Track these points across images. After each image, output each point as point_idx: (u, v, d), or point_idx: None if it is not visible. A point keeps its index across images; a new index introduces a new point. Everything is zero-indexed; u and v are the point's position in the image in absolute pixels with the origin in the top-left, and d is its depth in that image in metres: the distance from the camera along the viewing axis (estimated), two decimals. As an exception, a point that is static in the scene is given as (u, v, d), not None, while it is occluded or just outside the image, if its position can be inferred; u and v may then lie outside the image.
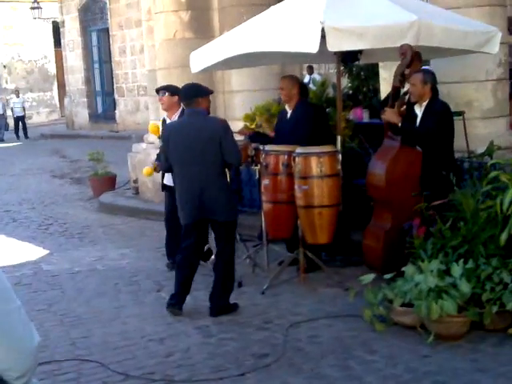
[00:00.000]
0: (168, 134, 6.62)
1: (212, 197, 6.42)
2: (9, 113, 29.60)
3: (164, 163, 6.79)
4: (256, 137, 8.06)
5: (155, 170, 8.20)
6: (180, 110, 8.05)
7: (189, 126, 6.50)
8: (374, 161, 7.30)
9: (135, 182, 12.69)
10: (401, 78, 6.99)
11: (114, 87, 26.69)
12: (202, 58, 8.27)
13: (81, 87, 28.53)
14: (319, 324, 6.18)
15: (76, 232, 10.78)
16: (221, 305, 6.59)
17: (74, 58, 29.08)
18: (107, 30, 26.93)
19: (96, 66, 28.73)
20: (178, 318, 6.60)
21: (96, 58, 28.69)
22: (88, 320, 6.75)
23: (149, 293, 7.46)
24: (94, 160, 13.74)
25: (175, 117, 8.07)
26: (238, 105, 11.04)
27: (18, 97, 29.88)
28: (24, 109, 29.56)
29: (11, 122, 29.45)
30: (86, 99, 28.28)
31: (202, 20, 11.34)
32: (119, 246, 9.66)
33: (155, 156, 11.30)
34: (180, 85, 10.85)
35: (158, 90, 8.29)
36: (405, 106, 7.17)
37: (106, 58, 27.97)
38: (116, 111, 26.48)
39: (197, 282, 7.53)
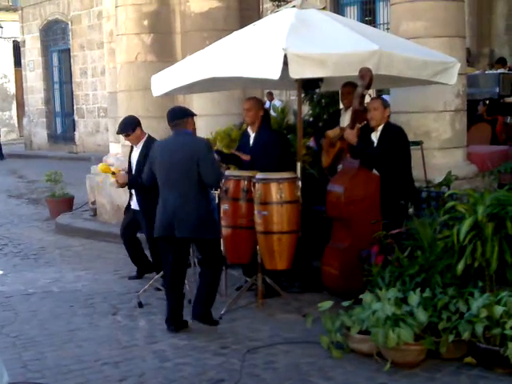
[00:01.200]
0: (155, 151, 6.71)
1: (192, 214, 6.49)
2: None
3: (147, 177, 6.88)
4: (231, 158, 8.06)
5: (114, 174, 8.07)
6: (146, 136, 8.16)
7: (174, 144, 6.64)
8: (333, 181, 7.41)
9: (93, 203, 12.60)
10: (360, 99, 7.08)
11: (74, 108, 26.54)
12: (164, 81, 8.26)
13: (40, 107, 28.30)
14: (276, 350, 6.15)
15: (31, 253, 10.65)
16: (203, 312, 6.65)
17: (34, 78, 28.86)
18: (68, 51, 26.81)
19: (56, 86, 28.56)
20: (134, 341, 6.53)
21: (56, 78, 28.53)
22: (41, 342, 6.64)
23: (104, 316, 7.36)
24: (51, 181, 13.59)
25: (141, 144, 8.14)
26: (199, 129, 10.99)
27: None
28: None
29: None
30: (45, 119, 28.07)
31: (164, 43, 11.36)
32: (75, 268, 9.54)
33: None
34: (142, 107, 10.98)
35: (117, 133, 8.42)
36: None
37: (66, 79, 27.82)
38: (75, 132, 26.31)
39: (152, 306, 7.54)
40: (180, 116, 6.70)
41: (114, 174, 8.01)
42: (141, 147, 8.11)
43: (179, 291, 6.78)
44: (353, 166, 7.21)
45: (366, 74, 6.86)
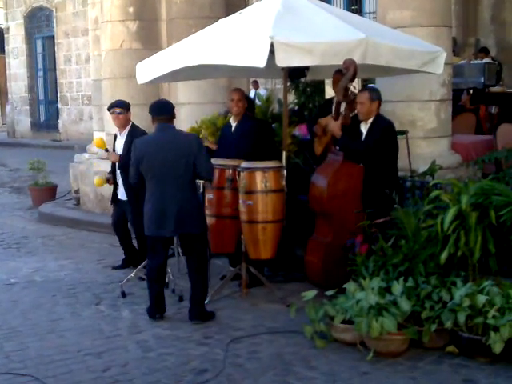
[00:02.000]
0: (142, 149, 6.57)
1: (186, 210, 6.48)
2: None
3: (133, 177, 6.71)
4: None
5: (108, 181, 8.28)
6: (130, 125, 8.17)
7: (163, 140, 6.55)
8: (316, 174, 7.37)
9: (76, 192, 12.54)
10: (344, 92, 7.04)
11: (58, 96, 26.40)
12: (149, 69, 8.19)
13: (24, 95, 28.12)
14: (260, 340, 6.13)
15: (14, 242, 10.56)
16: (201, 309, 6.65)
17: (17, 66, 28.66)
18: (53, 38, 26.64)
19: (40, 73, 28.36)
20: (117, 331, 6.51)
21: (40, 65, 28.33)
22: (23, 332, 6.59)
23: (87, 306, 7.32)
24: (34, 169, 13.49)
25: (125, 133, 8.15)
26: (184, 117, 10.96)
27: None
28: None
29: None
30: (28, 107, 27.90)
31: (149, 31, 11.28)
32: (58, 257, 9.48)
33: (98, 167, 11.28)
34: (126, 95, 10.89)
35: (110, 107, 8.24)
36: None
37: (50, 66, 27.64)
38: (59, 120, 26.18)
39: (135, 296, 7.51)
40: (168, 110, 6.68)
41: (107, 150, 8.09)
42: (125, 135, 8.12)
43: (163, 281, 6.85)
44: (337, 158, 7.16)
45: (350, 65, 6.82)
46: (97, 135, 12.97)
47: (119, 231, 8.62)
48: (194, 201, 6.64)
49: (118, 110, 8.12)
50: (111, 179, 8.33)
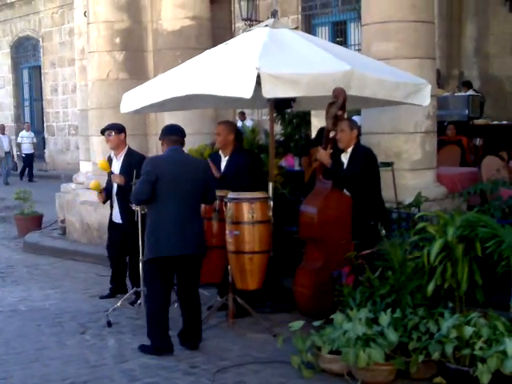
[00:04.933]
0: (160, 166, 6.50)
1: (195, 231, 6.50)
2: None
3: (145, 193, 6.47)
4: None
5: (101, 193, 8.25)
6: (126, 148, 8.23)
7: (179, 161, 6.59)
8: (305, 202, 7.39)
9: (62, 222, 12.51)
10: (334, 120, 7.10)
11: (45, 126, 26.42)
12: (136, 98, 8.22)
13: (10, 124, 28.11)
14: (247, 370, 6.11)
15: (-1, 271, 10.53)
16: (200, 337, 6.65)
17: (4, 95, 28.74)
18: (39, 68, 26.73)
19: (26, 103, 28.46)
20: (103, 361, 6.47)
21: (27, 95, 28.43)
22: (8, 361, 6.55)
23: (72, 335, 7.27)
24: (20, 199, 13.49)
25: (122, 155, 8.20)
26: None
27: (27, 131, 25.04)
28: (34, 145, 24.86)
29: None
30: (14, 136, 27.84)
31: (136, 61, 11.32)
32: (43, 286, 9.44)
33: (84, 197, 11.26)
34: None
35: (103, 131, 8.32)
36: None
37: (37, 96, 27.73)
38: (45, 150, 26.17)
39: (121, 325, 7.47)
40: (181, 132, 6.73)
41: (112, 172, 8.13)
42: (122, 158, 8.19)
43: (191, 311, 6.69)
44: (325, 186, 7.21)
45: (339, 94, 6.90)
46: (83, 165, 13.06)
47: (112, 255, 8.57)
48: (200, 222, 6.71)
49: (108, 132, 8.20)
50: (104, 195, 8.29)
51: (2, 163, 23.79)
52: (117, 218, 8.23)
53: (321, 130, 9.11)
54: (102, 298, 8.59)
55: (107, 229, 8.65)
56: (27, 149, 24.34)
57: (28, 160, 24.24)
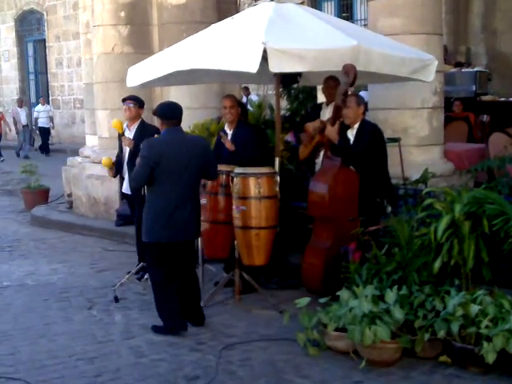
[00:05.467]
0: (159, 150, 6.37)
1: (189, 217, 6.41)
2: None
3: (144, 177, 6.38)
4: None
5: (111, 169, 8.19)
6: (139, 121, 8.24)
7: (179, 142, 6.45)
8: (315, 180, 7.34)
9: (69, 196, 12.52)
10: (343, 97, 7.05)
11: (50, 99, 26.35)
12: (141, 72, 8.21)
13: (15, 98, 28.05)
14: (253, 347, 6.13)
15: (6, 245, 10.55)
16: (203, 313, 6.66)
17: (8, 68, 28.66)
18: (44, 41, 26.66)
19: (31, 76, 28.41)
20: (109, 337, 6.49)
21: (32, 68, 28.37)
22: (15, 336, 6.58)
23: (80, 310, 7.30)
24: (26, 172, 13.52)
25: (134, 128, 8.20)
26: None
27: (43, 104, 24.66)
28: (51, 119, 24.54)
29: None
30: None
31: (141, 35, 11.31)
32: (51, 260, 9.47)
33: (90, 170, 11.28)
34: (118, 99, 10.85)
35: (124, 99, 8.30)
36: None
37: (41, 70, 27.66)
38: (51, 123, 26.10)
39: (129, 301, 7.50)
40: (178, 116, 6.55)
41: (123, 134, 8.09)
42: (134, 130, 8.18)
43: (191, 289, 6.64)
44: (334, 163, 7.15)
45: (350, 70, 6.83)
46: (89, 139, 13.03)
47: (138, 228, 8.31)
48: (198, 203, 6.66)
49: (130, 102, 8.20)
50: (114, 169, 8.25)
51: (20, 136, 23.60)
52: (127, 190, 8.18)
53: (314, 106, 9.08)
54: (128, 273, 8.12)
55: (123, 202, 8.62)
56: (44, 123, 24.09)
57: (45, 134, 24.07)
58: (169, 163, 6.31)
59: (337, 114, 7.17)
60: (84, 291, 7.97)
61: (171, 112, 6.57)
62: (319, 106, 8.60)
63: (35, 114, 24.30)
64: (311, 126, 7.80)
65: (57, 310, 7.38)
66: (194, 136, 7.01)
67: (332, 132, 7.17)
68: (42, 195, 13.40)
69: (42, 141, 24.07)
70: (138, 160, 6.52)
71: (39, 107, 24.44)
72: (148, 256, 6.67)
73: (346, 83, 6.95)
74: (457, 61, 15.55)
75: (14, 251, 10.18)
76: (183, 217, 6.36)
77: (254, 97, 16.45)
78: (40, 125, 24.09)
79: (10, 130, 24.03)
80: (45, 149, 23.82)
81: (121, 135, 8.14)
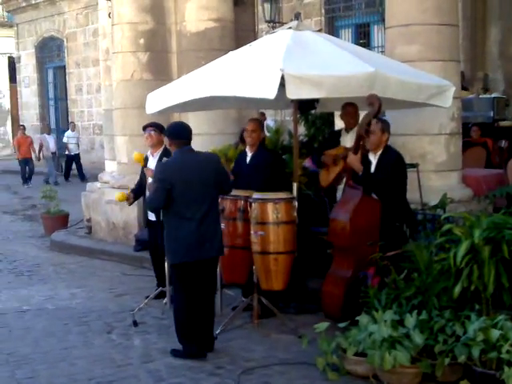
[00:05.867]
0: (173, 172, 6.43)
1: (212, 234, 6.47)
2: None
3: (161, 201, 6.42)
4: None
5: (128, 199, 8.31)
6: (162, 148, 8.26)
7: (191, 162, 6.49)
8: (336, 208, 7.33)
9: (88, 221, 12.59)
10: (367, 127, 7.07)
11: (69, 125, 26.55)
12: (159, 99, 8.28)
13: (35, 123, 28.33)
14: (272, 371, 6.13)
15: (26, 270, 10.62)
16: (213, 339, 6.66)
17: (29, 94, 28.97)
18: (64, 68, 26.95)
19: (51, 102, 28.69)
20: (128, 360, 6.52)
21: (52, 95, 28.65)
22: (35, 360, 6.62)
23: (99, 334, 7.34)
24: (46, 197, 13.61)
25: (158, 154, 8.27)
26: (195, 147, 11.02)
27: (72, 130, 24.03)
28: (78, 145, 23.70)
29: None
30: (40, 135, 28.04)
31: (160, 62, 11.41)
32: (70, 285, 9.52)
33: (109, 195, 11.33)
34: (137, 125, 10.99)
35: (145, 127, 8.41)
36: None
37: (61, 96, 27.93)
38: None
39: (147, 325, 7.52)
40: (188, 134, 6.63)
41: (145, 166, 8.19)
42: (158, 156, 8.24)
43: (208, 314, 6.63)
44: (356, 192, 7.11)
45: (375, 101, 6.88)
46: (108, 164, 13.11)
47: (153, 255, 8.47)
48: (219, 219, 6.67)
49: (150, 129, 8.30)
50: (131, 198, 8.35)
51: (48, 163, 23.27)
52: (151, 216, 8.23)
53: (331, 133, 9.10)
54: (147, 297, 8.20)
55: (145, 228, 8.66)
56: (72, 149, 23.49)
57: (71, 160, 23.48)
58: (184, 184, 6.35)
59: (359, 143, 7.19)
60: (103, 315, 8.00)
61: (179, 132, 6.64)
62: (337, 133, 8.63)
63: (65, 140, 23.83)
64: (333, 152, 7.84)
65: (76, 334, 7.41)
66: (205, 153, 7.01)
67: (355, 161, 7.17)
68: (61, 220, 13.48)
69: (66, 168, 23.59)
70: (149, 183, 6.58)
71: (69, 133, 23.91)
72: (174, 279, 6.66)
73: (370, 114, 6.99)
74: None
75: (34, 276, 10.24)
76: (207, 234, 6.40)
77: (270, 122, 16.41)
78: (71, 152, 23.47)
79: (39, 159, 23.50)
80: (80, 174, 23.03)
81: (143, 168, 8.21)
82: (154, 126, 8.34)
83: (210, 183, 6.46)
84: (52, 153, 23.49)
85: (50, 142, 23.67)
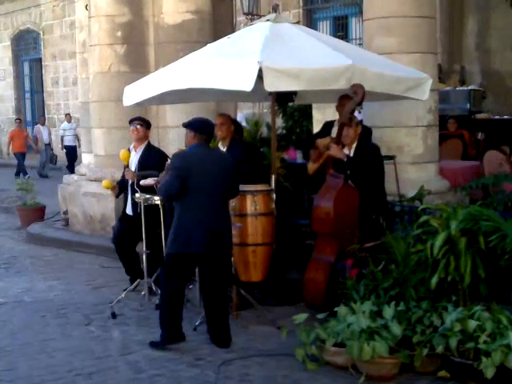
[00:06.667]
0: (190, 161, 6.48)
1: (222, 228, 6.50)
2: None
3: (175, 187, 6.41)
4: None
5: (113, 190, 8.34)
6: (146, 142, 8.35)
7: (208, 155, 6.56)
8: (319, 196, 7.36)
9: (65, 213, 12.54)
10: (350, 115, 7.12)
11: (46, 117, 26.40)
12: (137, 91, 8.23)
13: (11, 116, 28.11)
14: (251, 362, 6.14)
15: (2, 262, 10.55)
16: (230, 334, 6.61)
17: (4, 87, 28.75)
18: (40, 60, 26.77)
19: (27, 95, 28.49)
20: (108, 352, 6.50)
21: (27, 87, 28.45)
22: (13, 352, 6.58)
23: (77, 326, 7.31)
24: (22, 190, 13.54)
25: (141, 148, 8.31)
26: (172, 140, 11.04)
27: (69, 122, 23.30)
28: (77, 138, 21.65)
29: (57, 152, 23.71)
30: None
31: (137, 54, 11.36)
32: (47, 277, 9.47)
33: (86, 188, 11.30)
34: (114, 117, 10.97)
35: (132, 120, 8.41)
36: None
37: (37, 89, 27.75)
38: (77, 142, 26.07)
39: (126, 317, 7.51)
40: (214, 130, 6.76)
41: (128, 166, 8.23)
42: (141, 151, 8.28)
43: (220, 310, 6.62)
44: (337, 180, 7.19)
45: (359, 90, 6.92)
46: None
47: (120, 247, 8.42)
48: (229, 217, 6.67)
49: (137, 123, 8.31)
50: (117, 190, 8.37)
51: (41, 155, 22.99)
52: (130, 211, 8.25)
53: (326, 124, 9.12)
54: (125, 290, 8.19)
55: (117, 220, 8.65)
56: (70, 141, 22.76)
57: (72, 153, 22.62)
58: (200, 176, 6.40)
59: (342, 131, 7.24)
60: (81, 308, 7.97)
61: (205, 127, 6.66)
62: (331, 124, 8.64)
63: (61, 132, 23.25)
64: (322, 143, 7.87)
65: (54, 326, 7.38)
66: (220, 151, 7.15)
67: (337, 151, 7.23)
68: (37, 213, 13.41)
69: (68, 161, 22.69)
70: (162, 174, 6.75)
71: (65, 125, 23.29)
72: (166, 267, 6.60)
73: (354, 102, 7.03)
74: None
75: (11, 268, 10.18)
76: (218, 228, 6.42)
77: (239, 115, 16.11)
78: (66, 143, 22.85)
79: (37, 152, 23.11)
80: (72, 169, 21.66)
81: (125, 167, 8.23)
82: (141, 120, 8.35)
83: (223, 180, 6.49)
84: (46, 144, 23.10)
85: (44, 133, 23.31)
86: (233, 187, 6.67)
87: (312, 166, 7.96)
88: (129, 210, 8.31)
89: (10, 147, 23.12)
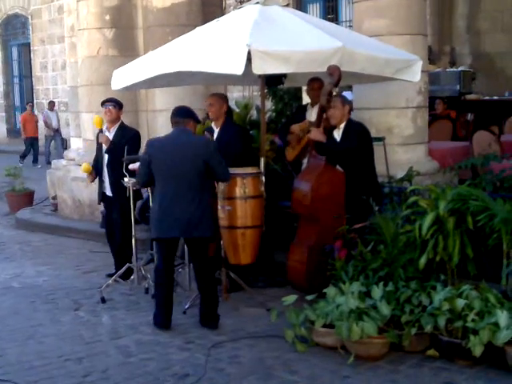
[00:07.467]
0: (154, 149, 6.51)
1: (195, 213, 6.42)
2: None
3: (142, 176, 6.63)
4: None
5: (90, 174, 8.27)
6: (119, 123, 8.29)
7: (176, 141, 6.50)
8: (299, 178, 7.41)
9: (54, 198, 12.50)
10: (328, 97, 7.10)
11: (34, 102, 26.30)
12: (125, 75, 8.20)
13: (0, 102, 28.02)
14: (241, 344, 6.15)
15: (-9, 248, 10.54)
16: (217, 316, 6.62)
17: (-8, 72, 28.62)
18: (28, 45, 26.63)
19: (16, 80, 28.37)
20: (97, 337, 6.49)
21: (16, 72, 28.32)
22: (2, 338, 6.56)
23: (67, 311, 7.30)
24: (11, 175, 13.49)
25: (114, 128, 8.25)
26: (162, 123, 11.00)
27: (51, 110, 22.86)
28: (59, 124, 22.50)
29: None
30: (4, 114, 27.82)
31: (126, 38, 11.29)
32: (36, 263, 9.46)
33: (75, 173, 11.27)
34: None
35: (104, 102, 8.33)
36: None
37: (26, 73, 27.64)
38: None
39: (115, 302, 7.50)
40: (182, 115, 6.62)
41: (102, 131, 8.21)
42: (114, 131, 8.22)
43: (171, 287, 6.68)
44: (319, 162, 7.21)
45: (334, 71, 6.89)
46: (74, 142, 13.00)
47: (109, 231, 8.40)
48: (204, 204, 6.50)
49: (109, 104, 8.24)
50: (94, 174, 8.31)
51: (48, 141, 22.47)
52: (108, 190, 8.22)
53: (298, 107, 9.12)
54: (108, 275, 8.28)
55: (102, 203, 8.57)
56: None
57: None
58: (163, 161, 6.42)
59: (321, 114, 7.23)
60: (70, 293, 7.95)
61: (174, 112, 6.68)
62: (304, 108, 8.65)
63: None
64: (297, 128, 7.85)
65: (44, 311, 7.36)
66: (198, 137, 6.96)
67: (317, 133, 7.22)
68: (26, 198, 13.38)
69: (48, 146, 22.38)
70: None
71: (47, 113, 22.90)
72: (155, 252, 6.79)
73: (330, 84, 7.01)
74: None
75: (-1, 254, 10.18)
76: (185, 215, 6.37)
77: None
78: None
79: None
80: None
81: (99, 132, 8.20)
82: (113, 101, 8.28)
83: (193, 166, 6.38)
84: (55, 130, 22.63)
85: (53, 119, 22.82)
86: (216, 172, 6.52)
87: (291, 152, 7.96)
88: (108, 191, 8.23)
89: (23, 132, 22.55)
